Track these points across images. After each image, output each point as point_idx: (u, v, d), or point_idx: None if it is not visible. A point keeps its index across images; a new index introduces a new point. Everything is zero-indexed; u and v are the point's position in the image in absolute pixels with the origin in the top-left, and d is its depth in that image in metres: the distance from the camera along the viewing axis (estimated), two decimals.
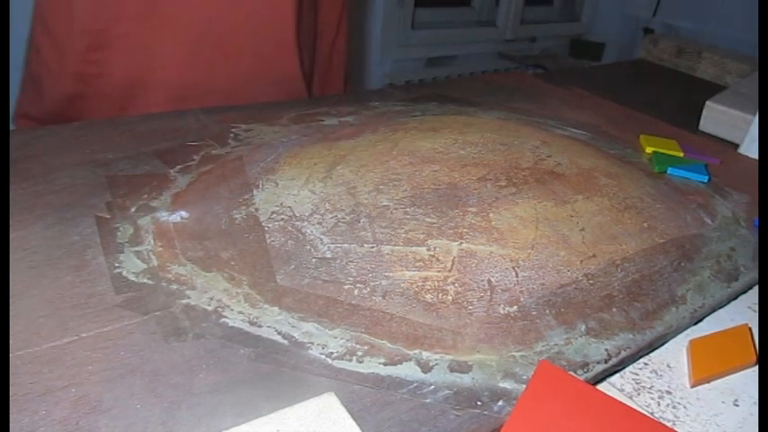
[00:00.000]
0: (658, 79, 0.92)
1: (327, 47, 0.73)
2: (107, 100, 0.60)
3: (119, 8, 0.56)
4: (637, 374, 0.31)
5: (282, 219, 0.36)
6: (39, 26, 0.60)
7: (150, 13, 0.56)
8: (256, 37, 0.62)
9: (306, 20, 0.66)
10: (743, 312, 0.37)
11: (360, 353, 0.29)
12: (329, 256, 0.33)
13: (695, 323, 0.35)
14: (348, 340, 0.29)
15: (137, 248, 0.34)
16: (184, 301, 0.31)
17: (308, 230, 0.35)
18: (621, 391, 0.30)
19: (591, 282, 0.34)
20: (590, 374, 0.29)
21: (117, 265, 0.33)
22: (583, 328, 0.32)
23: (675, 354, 0.33)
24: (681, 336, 0.34)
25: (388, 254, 0.33)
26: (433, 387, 0.27)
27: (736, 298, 0.38)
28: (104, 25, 0.56)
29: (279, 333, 0.29)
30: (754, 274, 0.39)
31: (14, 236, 0.34)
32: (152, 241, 0.35)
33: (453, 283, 0.32)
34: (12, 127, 0.63)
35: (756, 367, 0.32)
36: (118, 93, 0.60)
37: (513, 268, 0.33)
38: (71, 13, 0.56)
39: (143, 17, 0.57)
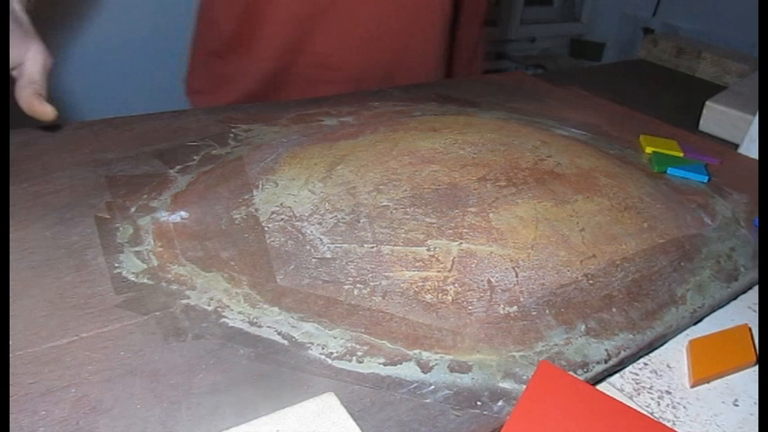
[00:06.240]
0: (658, 79, 0.92)
1: (473, 36, 0.81)
2: (295, 80, 0.67)
3: None
4: (637, 374, 0.32)
5: (282, 219, 0.36)
6: (229, 16, 0.65)
7: (327, 5, 0.63)
8: (410, 27, 0.68)
9: (451, 15, 0.73)
10: (743, 312, 0.37)
11: (360, 353, 0.29)
12: (329, 256, 0.33)
13: (695, 323, 0.35)
14: (348, 340, 0.29)
15: (137, 249, 0.34)
16: (184, 302, 0.31)
17: (308, 230, 0.35)
18: (621, 391, 0.30)
19: (591, 282, 0.34)
20: (590, 374, 0.29)
21: (117, 265, 0.33)
22: (583, 328, 0.32)
23: (675, 354, 0.33)
24: (681, 336, 0.34)
25: (387, 254, 0.33)
26: (432, 387, 0.27)
27: (735, 298, 0.38)
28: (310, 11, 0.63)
29: (279, 333, 0.29)
30: (754, 274, 0.39)
31: (14, 236, 0.34)
32: (152, 241, 0.35)
33: (453, 283, 0.32)
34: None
35: (756, 367, 0.32)
36: (306, 73, 0.67)
37: (513, 268, 0.33)
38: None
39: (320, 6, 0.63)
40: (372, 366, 0.28)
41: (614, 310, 0.33)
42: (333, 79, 0.67)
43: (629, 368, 0.32)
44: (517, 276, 0.33)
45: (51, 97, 0.42)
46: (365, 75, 0.68)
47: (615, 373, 0.31)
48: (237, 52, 0.66)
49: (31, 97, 0.40)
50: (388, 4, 0.65)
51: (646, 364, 0.32)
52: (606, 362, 0.30)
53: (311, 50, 0.65)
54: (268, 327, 0.30)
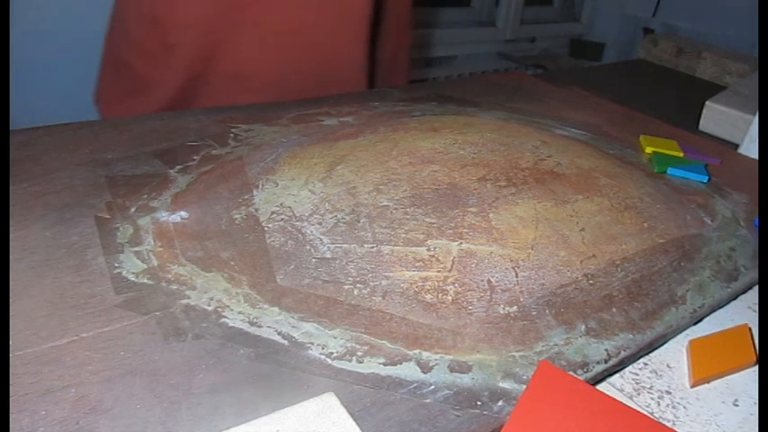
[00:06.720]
0: (658, 79, 0.92)
1: (394, 44, 0.77)
2: (210, 90, 0.64)
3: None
4: (637, 374, 0.32)
5: (282, 219, 0.36)
6: (138, 21, 0.63)
7: (234, 9, 0.60)
8: (329, 40, 0.66)
9: (373, 23, 0.70)
10: (743, 312, 0.37)
11: (360, 353, 0.29)
12: (329, 256, 0.33)
13: (695, 323, 0.35)
14: (348, 340, 0.29)
15: (137, 249, 0.34)
16: (184, 302, 0.31)
17: (308, 230, 0.35)
18: (621, 391, 0.30)
19: (591, 282, 0.34)
20: (590, 374, 0.29)
21: (117, 265, 0.33)
22: (583, 328, 0.32)
23: (675, 354, 0.33)
24: (681, 336, 0.34)
25: (387, 254, 0.33)
26: (432, 387, 0.27)
27: (735, 298, 0.38)
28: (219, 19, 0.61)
29: (279, 333, 0.29)
30: (754, 274, 0.39)
31: (14, 236, 0.34)
32: (152, 241, 0.35)
33: (453, 283, 0.32)
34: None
35: (756, 367, 0.32)
36: (221, 83, 0.64)
37: (513, 268, 0.33)
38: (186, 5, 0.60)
39: (228, 10, 0.61)
40: (372, 366, 0.28)
41: (614, 310, 0.33)
42: (250, 89, 0.64)
43: (629, 368, 0.32)
44: (517, 276, 0.33)
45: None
46: (284, 85, 0.65)
47: (615, 373, 0.31)
48: (147, 61, 0.64)
49: None
50: (308, 14, 0.63)
51: (646, 364, 0.32)
52: (606, 362, 0.30)
53: (224, 60, 0.63)
54: (268, 327, 0.30)
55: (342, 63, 0.68)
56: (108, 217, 0.37)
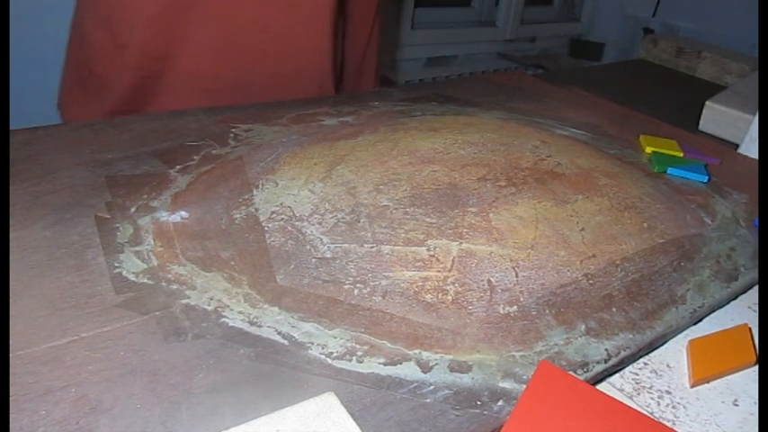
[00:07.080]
0: (658, 79, 0.92)
1: (360, 49, 0.76)
2: (169, 90, 0.62)
3: None
4: (637, 374, 0.32)
5: (282, 219, 0.36)
6: (94, 22, 0.62)
7: (189, 6, 0.59)
8: (293, 38, 0.64)
9: (339, 22, 0.68)
10: (743, 312, 0.37)
11: (360, 353, 0.29)
12: (329, 256, 0.33)
13: (695, 323, 0.35)
14: (348, 340, 0.29)
15: (137, 248, 0.34)
16: (184, 301, 0.31)
17: (308, 230, 0.35)
18: (621, 391, 0.30)
19: (591, 282, 0.34)
20: (590, 374, 0.29)
21: (117, 265, 0.33)
22: (583, 328, 0.32)
23: (675, 354, 0.33)
24: (681, 336, 0.34)
25: (388, 254, 0.33)
26: (432, 387, 0.27)
27: (735, 298, 0.38)
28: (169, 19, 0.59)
29: (279, 333, 0.29)
30: (754, 274, 0.39)
31: (14, 236, 0.34)
32: (152, 241, 0.35)
33: (453, 283, 0.32)
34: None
35: (756, 367, 0.32)
36: (179, 82, 0.62)
37: (513, 268, 0.33)
38: (138, 7, 0.58)
39: (182, 8, 0.59)
40: (372, 366, 0.28)
41: (614, 309, 0.33)
42: (209, 89, 0.62)
43: (629, 368, 0.32)
44: (517, 276, 0.33)
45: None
46: (245, 87, 0.63)
47: (615, 373, 0.31)
48: (104, 63, 0.62)
49: None
50: (267, 14, 0.61)
51: (646, 364, 0.32)
52: (606, 362, 0.30)
53: (181, 59, 0.60)
54: (268, 326, 0.30)
55: (306, 66, 0.66)
56: (108, 217, 0.37)
